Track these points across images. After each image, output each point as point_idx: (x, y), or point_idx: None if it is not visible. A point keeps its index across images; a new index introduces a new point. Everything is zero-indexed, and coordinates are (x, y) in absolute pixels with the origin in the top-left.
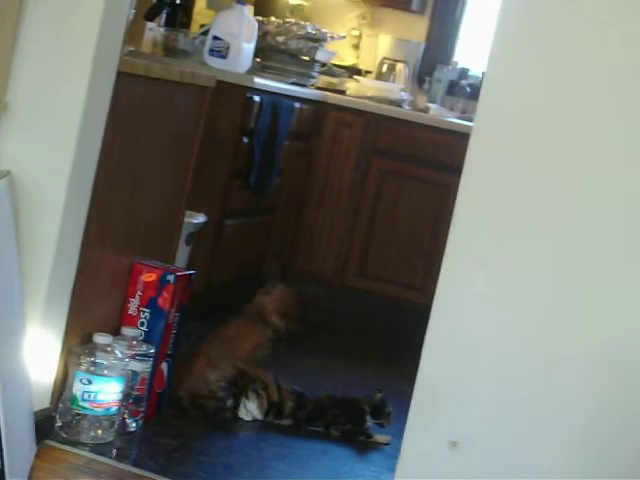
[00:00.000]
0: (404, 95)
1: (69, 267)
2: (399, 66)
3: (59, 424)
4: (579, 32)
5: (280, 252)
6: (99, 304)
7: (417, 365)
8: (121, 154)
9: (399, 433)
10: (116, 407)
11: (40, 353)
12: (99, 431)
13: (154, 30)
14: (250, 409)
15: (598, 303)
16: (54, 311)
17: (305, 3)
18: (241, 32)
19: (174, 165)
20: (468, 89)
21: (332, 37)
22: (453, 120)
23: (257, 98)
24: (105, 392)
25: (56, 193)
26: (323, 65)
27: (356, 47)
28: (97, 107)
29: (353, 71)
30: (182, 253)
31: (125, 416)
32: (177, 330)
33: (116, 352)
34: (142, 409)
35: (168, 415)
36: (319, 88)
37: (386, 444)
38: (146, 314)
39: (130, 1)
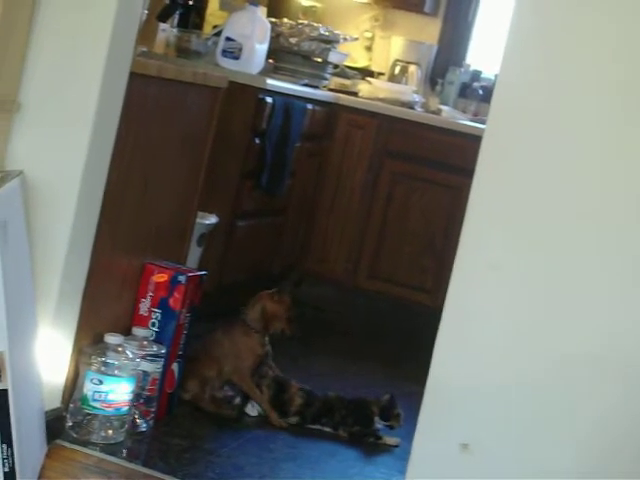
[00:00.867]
0: (416, 97)
1: (81, 267)
2: (411, 68)
3: (70, 424)
4: (592, 34)
5: (292, 254)
6: (110, 304)
7: (428, 367)
8: (133, 154)
9: (409, 435)
10: (127, 407)
11: (51, 353)
12: (110, 431)
13: (167, 31)
14: (254, 405)
15: (610, 306)
16: (65, 311)
17: (318, 5)
18: (254, 33)
19: (186, 166)
20: (480, 91)
21: (345, 39)
22: (465, 122)
23: (269, 99)
24: (116, 392)
25: (68, 193)
26: (335, 67)
27: (369, 49)
28: (110, 107)
29: (365, 73)
30: (193, 254)
31: (136, 416)
32: (188, 331)
33: (127, 352)
34: (153, 409)
35: (179, 415)
36: (331, 90)
37: (395, 446)
38: (157, 314)
39: (143, 2)
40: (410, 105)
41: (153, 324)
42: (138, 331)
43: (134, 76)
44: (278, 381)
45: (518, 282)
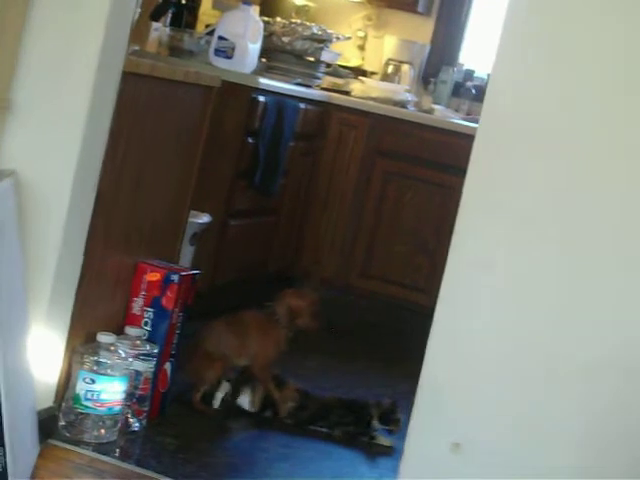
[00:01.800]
0: (409, 96)
1: (73, 266)
2: (404, 67)
3: (62, 423)
4: (585, 35)
5: (285, 253)
6: (103, 303)
7: (420, 366)
8: (126, 154)
9: (402, 435)
10: (119, 406)
11: (44, 352)
12: (102, 430)
13: (159, 30)
14: (243, 402)
15: (602, 306)
16: (58, 310)
17: (311, 4)
18: (246, 32)
19: (179, 165)
20: (473, 91)
21: (337, 38)
22: (458, 121)
23: (262, 98)
24: (108, 391)
25: (61, 192)
26: (328, 66)
27: (361, 48)
28: (102, 106)
29: (358, 72)
30: (186, 253)
31: (128, 416)
32: (181, 330)
33: (120, 351)
34: (145, 409)
35: (171, 415)
36: (324, 89)
37: (389, 447)
38: (150, 314)
39: (136, 1)
40: (403, 104)
41: (146, 323)
42: (131, 330)
43: (126, 75)
44: (276, 381)
45: (510, 281)
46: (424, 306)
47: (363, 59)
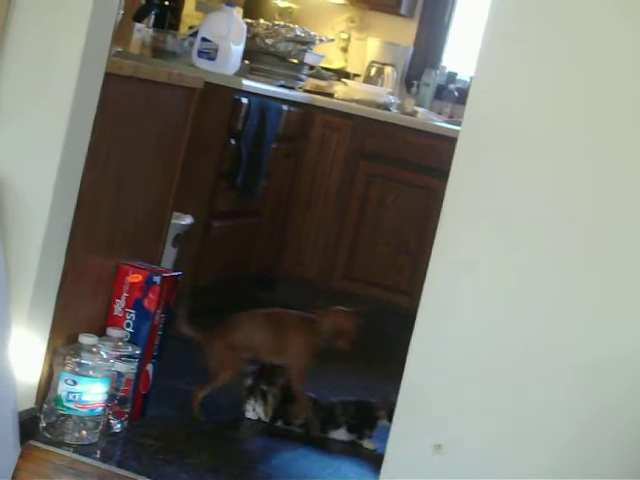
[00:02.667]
0: (392, 99)
1: (55, 268)
2: (387, 70)
3: (44, 424)
4: (568, 37)
5: (267, 254)
6: (85, 305)
7: (402, 368)
8: (108, 155)
9: (384, 436)
10: (101, 408)
11: (25, 353)
12: (84, 432)
13: (142, 31)
14: (257, 411)
15: (586, 308)
16: (39, 311)
17: (294, 6)
18: (230, 34)
19: (161, 166)
20: (456, 93)
21: (321, 40)
22: (441, 124)
23: (245, 100)
24: (90, 393)
25: (42, 194)
26: (311, 68)
27: (345, 50)
28: (84, 108)
29: (341, 74)
30: (169, 254)
31: (110, 417)
32: (163, 331)
33: (101, 353)
34: (127, 410)
35: (153, 416)
36: (307, 91)
37: (373, 450)
38: (132, 315)
39: (118, 2)
40: (386, 107)
41: (128, 325)
42: (113, 332)
43: (109, 76)
44: (286, 391)
45: (493, 282)
46: (406, 308)
47: (346, 61)
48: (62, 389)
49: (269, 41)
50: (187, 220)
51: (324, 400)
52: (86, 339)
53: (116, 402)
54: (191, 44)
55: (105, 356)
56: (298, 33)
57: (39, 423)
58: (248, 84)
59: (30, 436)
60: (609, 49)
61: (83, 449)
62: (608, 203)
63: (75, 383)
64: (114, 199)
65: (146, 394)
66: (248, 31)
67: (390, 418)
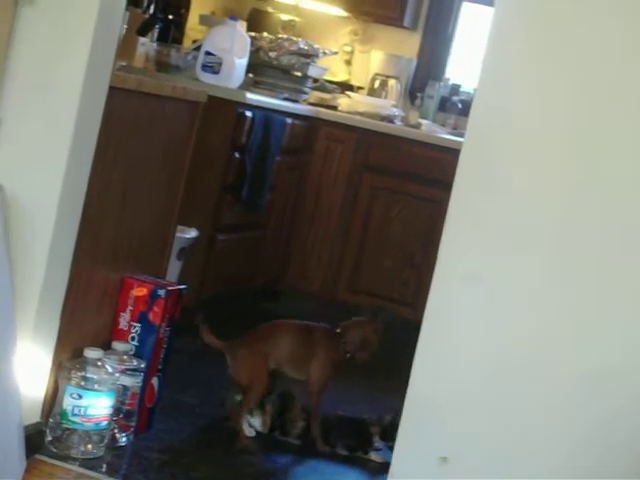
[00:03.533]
0: (396, 111)
1: (60, 281)
2: (391, 82)
3: (49, 438)
4: (570, 48)
5: (272, 267)
6: (90, 318)
7: (407, 381)
8: (113, 169)
9: (390, 448)
10: (106, 422)
11: (31, 367)
12: (89, 446)
13: (146, 45)
14: (254, 424)
15: (591, 318)
16: (45, 325)
17: (297, 19)
18: (233, 48)
19: (165, 180)
20: (460, 105)
21: (324, 53)
22: (445, 136)
23: (249, 113)
24: (95, 407)
25: (47, 208)
26: (315, 81)
27: (348, 63)
28: (89, 122)
29: (345, 87)
30: (174, 268)
31: (115, 431)
32: (168, 345)
33: (107, 367)
34: (132, 424)
35: (159, 430)
36: (311, 104)
37: (380, 463)
38: (137, 329)
39: (122, 16)
40: (390, 119)
41: (133, 338)
42: (118, 345)
43: (113, 90)
44: (283, 399)
45: (497, 294)
46: (411, 320)
47: (350, 74)
48: (67, 403)
49: (273, 54)
50: (192, 233)
51: (322, 414)
52: (91, 353)
53: (122, 416)
54: (195, 58)
55: (110, 370)
56: (302, 46)
57: (45, 437)
58: (252, 97)
59: (36, 450)
60: (615, 60)
61: (89, 463)
62: (613, 213)
63: (80, 397)
64: (119, 212)
65: (152, 407)
66: (252, 44)
67: (383, 436)
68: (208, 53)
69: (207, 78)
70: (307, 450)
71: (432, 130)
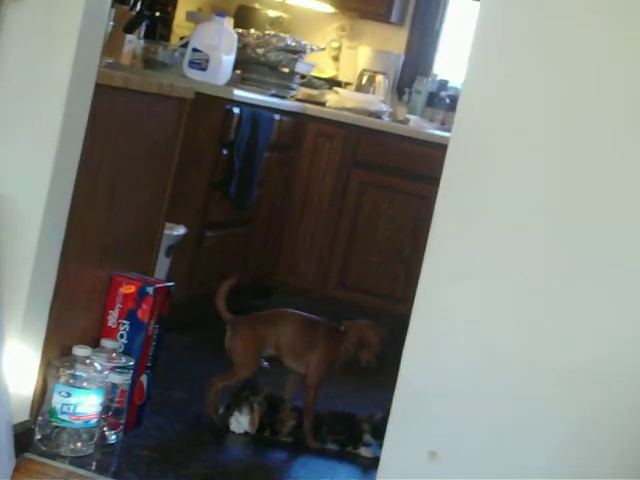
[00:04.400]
0: (384, 107)
1: (48, 279)
2: (379, 78)
3: (38, 437)
4: (555, 44)
5: (261, 264)
6: (78, 316)
7: (396, 376)
8: (100, 166)
9: (381, 446)
10: (95, 419)
11: (19, 366)
12: (78, 444)
13: (133, 42)
14: (242, 422)
15: (581, 314)
16: (33, 323)
17: (285, 15)
18: (221, 44)
19: (153, 177)
20: (448, 100)
21: (312, 49)
22: (433, 131)
23: (237, 110)
24: (84, 404)
25: (35, 206)
26: (303, 77)
27: (336, 59)
28: (76, 119)
29: (333, 83)
30: (162, 265)
31: (105, 428)
32: (157, 342)
33: (95, 364)
34: (122, 421)
35: (148, 427)
36: (299, 100)
37: (370, 458)
38: (125, 326)
39: (109, 13)
40: (378, 115)
41: (121, 336)
42: (106, 343)
43: (100, 87)
44: (271, 400)
45: (485, 288)
46: (400, 315)
47: (337, 70)
48: (56, 401)
49: (260, 51)
50: (180, 230)
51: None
52: (80, 351)
53: (111, 413)
54: (182, 55)
55: (99, 367)
56: (289, 42)
57: (34, 435)
58: (239, 94)
59: (25, 449)
60: (602, 55)
61: (78, 461)
62: (601, 209)
63: (69, 395)
64: (107, 210)
65: (141, 405)
66: (239, 41)
67: (374, 433)
68: (195, 50)
69: (194, 75)
70: (297, 446)
71: (420, 126)
